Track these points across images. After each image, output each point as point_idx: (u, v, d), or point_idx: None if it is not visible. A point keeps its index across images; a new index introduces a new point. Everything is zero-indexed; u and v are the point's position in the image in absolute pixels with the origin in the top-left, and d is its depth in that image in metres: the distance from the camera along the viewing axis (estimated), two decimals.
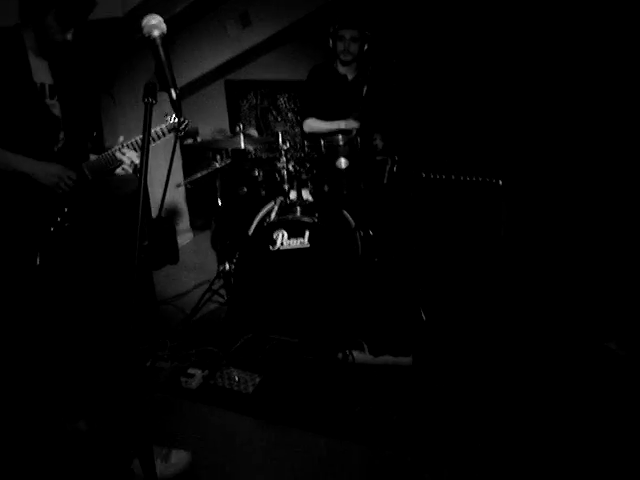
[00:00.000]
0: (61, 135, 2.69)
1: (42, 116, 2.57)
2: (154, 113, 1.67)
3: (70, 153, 2.70)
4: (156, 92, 1.71)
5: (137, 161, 2.73)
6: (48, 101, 2.59)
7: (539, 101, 4.69)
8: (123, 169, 2.73)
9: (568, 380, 3.28)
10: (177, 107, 1.77)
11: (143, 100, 1.67)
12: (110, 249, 2.90)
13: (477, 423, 2.92)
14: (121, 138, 2.72)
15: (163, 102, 1.80)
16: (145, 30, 1.77)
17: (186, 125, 3.00)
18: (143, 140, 1.61)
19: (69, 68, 2.69)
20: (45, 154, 2.58)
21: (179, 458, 2.61)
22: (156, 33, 1.76)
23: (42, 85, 2.55)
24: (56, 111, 2.63)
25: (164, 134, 2.81)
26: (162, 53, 1.75)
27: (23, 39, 2.47)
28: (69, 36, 2.50)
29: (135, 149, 2.70)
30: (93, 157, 2.75)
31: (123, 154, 2.68)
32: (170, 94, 1.74)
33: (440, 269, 4.52)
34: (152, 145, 2.80)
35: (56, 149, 2.67)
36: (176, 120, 2.93)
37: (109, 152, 2.69)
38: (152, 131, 2.76)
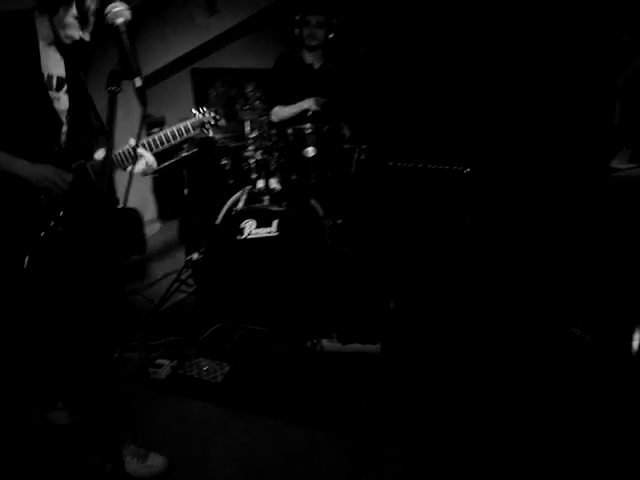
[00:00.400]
0: (64, 129, 2.52)
1: (44, 110, 2.41)
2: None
3: (72, 151, 2.54)
4: (120, 80, 1.70)
5: (152, 163, 2.58)
6: (53, 94, 2.43)
7: (504, 92, 4.73)
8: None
9: (534, 364, 3.33)
10: (142, 96, 1.75)
11: (107, 89, 1.66)
12: (90, 245, 2.77)
13: (444, 409, 2.96)
14: (132, 140, 2.55)
15: (129, 91, 1.78)
16: (109, 17, 1.75)
17: (217, 120, 2.87)
18: (108, 130, 1.59)
19: (80, 61, 2.56)
20: (45, 152, 2.43)
21: (155, 462, 2.58)
22: (120, 20, 1.75)
23: (50, 77, 2.40)
24: (60, 105, 2.47)
25: (187, 132, 2.68)
26: (126, 41, 1.73)
27: (35, 25, 2.32)
28: (87, 36, 2.37)
29: (151, 149, 2.57)
30: (100, 155, 2.57)
31: (139, 154, 2.54)
32: (134, 83, 1.72)
33: (408, 257, 4.55)
34: (173, 143, 2.66)
35: (56, 148, 2.50)
36: (204, 116, 2.81)
37: (119, 152, 2.53)
38: (175, 128, 2.65)
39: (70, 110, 2.52)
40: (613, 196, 3.59)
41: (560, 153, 4.34)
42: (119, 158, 2.53)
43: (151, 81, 5.94)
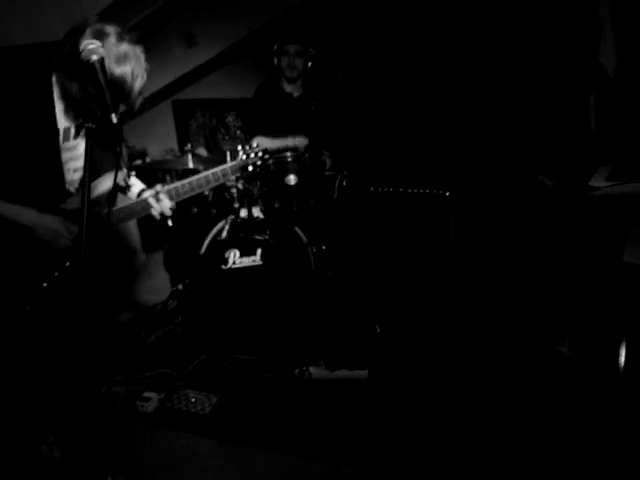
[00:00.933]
0: (78, 175, 2.46)
1: (51, 163, 2.34)
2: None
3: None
4: (96, 117, 1.71)
5: (169, 212, 2.54)
6: (70, 143, 2.36)
7: (481, 116, 4.78)
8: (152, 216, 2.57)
9: (523, 385, 3.33)
10: (117, 132, 1.76)
11: (83, 126, 1.67)
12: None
13: (433, 434, 2.95)
14: (159, 186, 2.55)
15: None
16: (84, 55, 1.77)
17: (264, 161, 2.66)
18: (85, 167, 1.60)
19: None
20: (52, 203, 2.39)
21: None
22: (94, 57, 1.76)
23: (66, 129, 2.31)
24: (75, 153, 2.39)
25: (225, 176, 2.60)
26: (101, 78, 1.75)
27: (51, 76, 2.22)
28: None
29: (171, 197, 2.52)
30: (122, 204, 2.55)
31: (159, 200, 2.51)
32: (110, 119, 1.73)
33: (393, 281, 4.55)
34: (203, 189, 2.58)
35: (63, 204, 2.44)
36: (248, 157, 2.65)
37: (141, 200, 2.52)
38: (211, 173, 2.56)
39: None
40: (593, 214, 3.61)
41: (538, 172, 4.37)
42: (144, 204, 2.52)
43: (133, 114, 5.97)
